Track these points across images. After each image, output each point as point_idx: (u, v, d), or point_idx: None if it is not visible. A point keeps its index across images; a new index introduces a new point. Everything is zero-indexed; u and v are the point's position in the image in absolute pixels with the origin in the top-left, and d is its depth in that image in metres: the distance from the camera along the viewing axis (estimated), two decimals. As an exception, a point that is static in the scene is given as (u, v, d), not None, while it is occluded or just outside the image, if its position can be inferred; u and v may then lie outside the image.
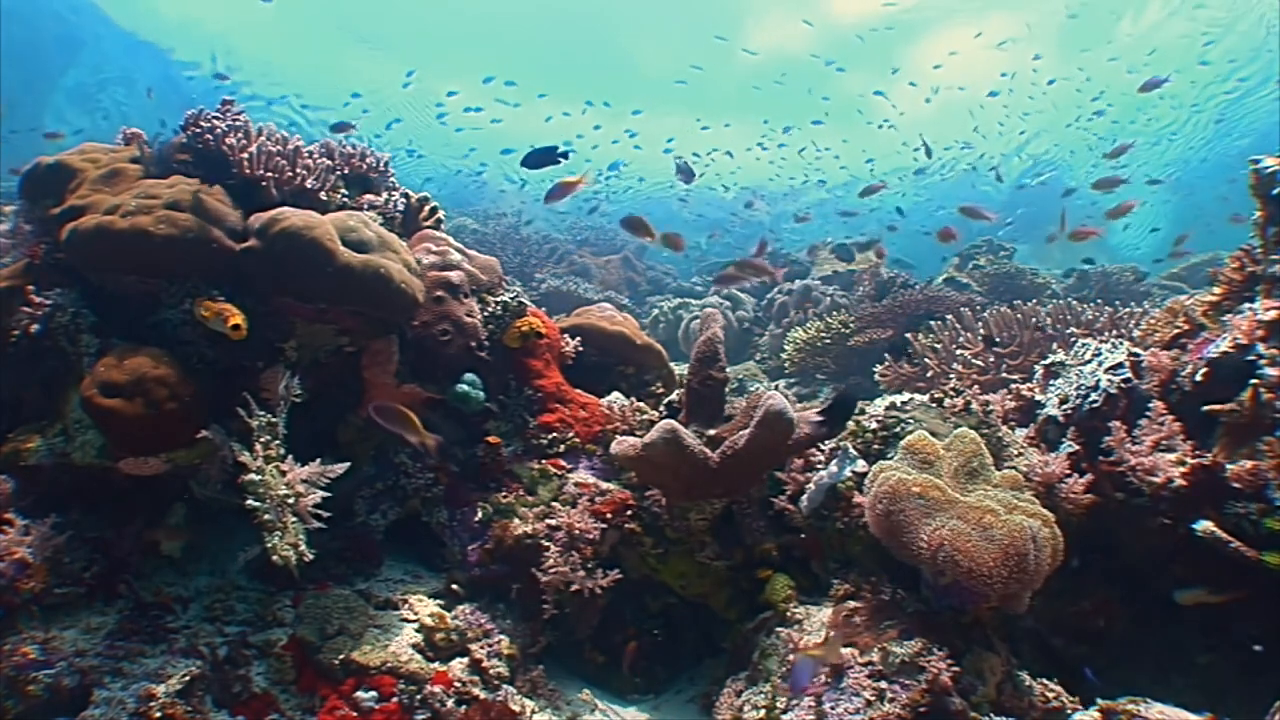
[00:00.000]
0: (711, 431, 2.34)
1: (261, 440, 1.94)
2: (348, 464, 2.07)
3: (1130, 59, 15.25)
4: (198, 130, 2.34)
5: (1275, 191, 2.23)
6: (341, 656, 2.00)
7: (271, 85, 16.14)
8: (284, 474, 1.93)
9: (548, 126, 16.51)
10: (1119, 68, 15.41)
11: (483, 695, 2.05)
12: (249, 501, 1.86)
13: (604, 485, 2.53)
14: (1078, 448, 2.22)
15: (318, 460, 2.01)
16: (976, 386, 3.35)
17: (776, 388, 4.92)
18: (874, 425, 2.28)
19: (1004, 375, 3.59)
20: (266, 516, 1.86)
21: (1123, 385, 2.24)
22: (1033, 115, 16.90)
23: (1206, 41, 14.23)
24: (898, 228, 10.17)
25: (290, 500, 1.91)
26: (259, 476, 1.88)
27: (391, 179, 2.90)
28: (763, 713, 1.84)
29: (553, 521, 2.38)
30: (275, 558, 1.84)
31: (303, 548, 1.88)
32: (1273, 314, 2.01)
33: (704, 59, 17.81)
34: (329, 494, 1.99)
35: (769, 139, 17.34)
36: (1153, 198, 18.74)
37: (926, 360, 4.03)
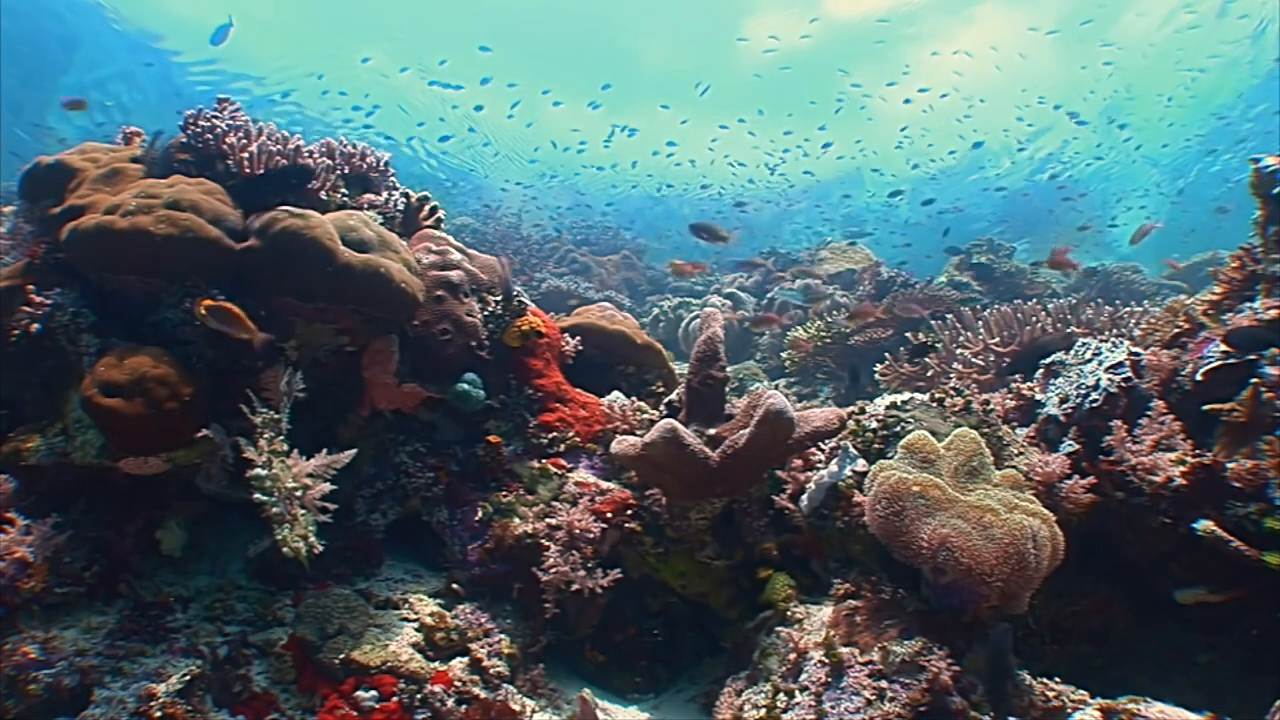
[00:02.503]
0: (712, 431, 2.34)
1: (266, 436, 1.94)
2: (353, 451, 2.08)
3: (1136, 58, 15.25)
4: (198, 129, 2.34)
5: (1276, 190, 2.23)
6: (342, 656, 2.00)
7: (276, 85, 16.12)
8: (290, 468, 1.94)
9: (551, 123, 16.56)
10: (1125, 66, 15.41)
11: (483, 694, 2.06)
12: (256, 496, 1.86)
13: (604, 484, 2.53)
14: (1078, 447, 2.22)
15: (324, 451, 2.02)
16: (976, 386, 3.35)
17: (776, 387, 4.92)
18: (874, 425, 2.28)
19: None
20: (275, 510, 1.86)
21: (1123, 384, 2.24)
22: (1036, 113, 16.88)
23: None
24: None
25: (298, 493, 1.91)
26: (265, 471, 1.88)
27: (391, 178, 2.90)
28: (763, 712, 1.84)
29: (553, 521, 2.39)
30: (286, 549, 1.85)
31: (313, 539, 1.89)
32: (1273, 313, 2.01)
33: (704, 58, 17.81)
34: (335, 486, 2.00)
35: (767, 136, 17.36)
36: (1152, 199, 18.75)
37: (927, 360, 4.03)
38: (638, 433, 2.48)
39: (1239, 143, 15.72)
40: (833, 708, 1.71)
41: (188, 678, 1.82)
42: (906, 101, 15.19)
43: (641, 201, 19.55)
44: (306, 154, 2.46)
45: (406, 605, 2.23)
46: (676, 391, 2.73)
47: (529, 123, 16.11)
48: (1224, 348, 2.10)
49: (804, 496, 2.30)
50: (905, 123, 17.14)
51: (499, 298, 2.79)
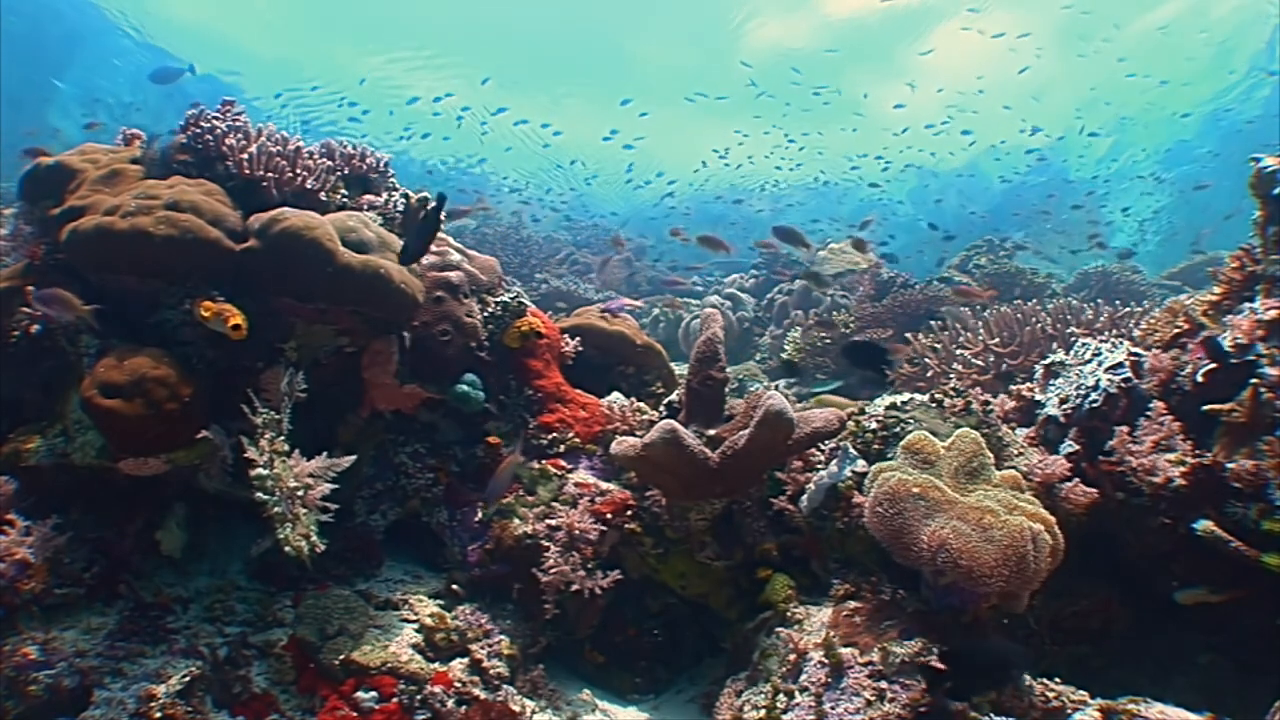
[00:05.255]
0: (711, 431, 2.34)
1: (267, 436, 1.95)
2: (354, 456, 2.08)
3: (1132, 52, 15.27)
4: (198, 131, 2.34)
5: (1275, 191, 2.23)
6: (342, 657, 2.00)
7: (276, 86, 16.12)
8: (291, 468, 1.94)
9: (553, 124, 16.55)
10: (1120, 59, 15.42)
11: (483, 695, 2.06)
12: (257, 495, 1.86)
13: (604, 485, 2.53)
14: (1078, 447, 2.22)
15: (324, 453, 2.02)
16: (977, 386, 3.35)
17: (776, 388, 4.91)
18: (874, 425, 2.28)
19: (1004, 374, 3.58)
20: (277, 509, 1.87)
21: (1123, 385, 2.24)
22: (1031, 108, 16.86)
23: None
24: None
25: (300, 492, 1.91)
26: (267, 470, 1.88)
27: (391, 179, 2.90)
28: (763, 713, 1.84)
29: (553, 521, 2.38)
30: (288, 548, 1.85)
31: (314, 538, 1.89)
32: (1273, 313, 2.01)
33: (703, 59, 17.79)
34: (337, 486, 2.00)
35: (766, 136, 17.34)
36: (1151, 197, 18.72)
37: (926, 360, 4.02)
38: (637, 433, 2.48)
39: (1236, 146, 15.73)
40: (833, 708, 1.71)
41: (187, 678, 1.82)
42: (897, 107, 15.24)
43: (640, 203, 19.54)
44: (306, 155, 2.46)
45: (406, 606, 2.23)
46: (676, 392, 2.74)
47: (523, 118, 16.09)
48: (1225, 348, 2.10)
49: (804, 497, 2.30)
50: (906, 123, 17.13)
51: (499, 298, 2.79)
